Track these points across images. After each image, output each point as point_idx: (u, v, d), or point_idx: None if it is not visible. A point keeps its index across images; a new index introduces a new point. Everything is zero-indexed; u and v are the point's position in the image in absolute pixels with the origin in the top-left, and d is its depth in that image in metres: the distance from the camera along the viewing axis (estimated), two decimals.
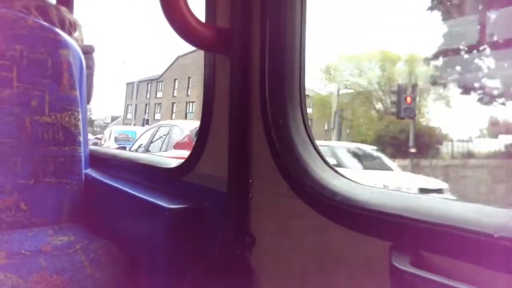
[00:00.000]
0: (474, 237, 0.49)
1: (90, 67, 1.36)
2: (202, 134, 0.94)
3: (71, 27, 1.33)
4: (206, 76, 0.92)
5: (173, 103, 44.09)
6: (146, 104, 47.22)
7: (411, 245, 0.56)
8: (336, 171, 0.77)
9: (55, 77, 1.14)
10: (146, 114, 45.62)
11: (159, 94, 46.88)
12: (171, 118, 41.40)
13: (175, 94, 43.92)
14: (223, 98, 0.87)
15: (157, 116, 43.75)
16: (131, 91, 51.82)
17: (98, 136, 24.41)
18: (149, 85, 47.49)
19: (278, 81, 0.80)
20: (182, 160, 1.01)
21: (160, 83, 46.64)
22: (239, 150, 0.84)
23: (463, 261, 0.51)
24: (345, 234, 0.65)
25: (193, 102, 39.03)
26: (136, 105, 49.51)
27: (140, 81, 47.95)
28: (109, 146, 15.43)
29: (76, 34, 1.38)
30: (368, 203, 0.63)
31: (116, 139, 16.55)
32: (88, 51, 1.39)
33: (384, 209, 0.60)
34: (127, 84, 52.75)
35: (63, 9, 1.36)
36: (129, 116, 50.63)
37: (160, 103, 46.17)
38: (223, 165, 0.86)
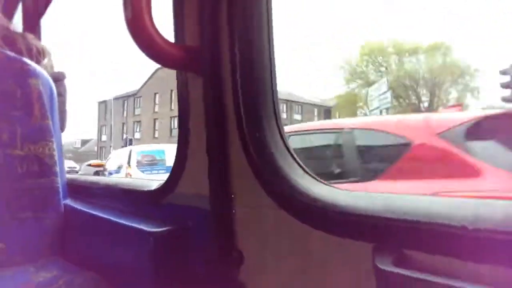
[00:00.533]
0: (450, 231, 0.51)
1: (61, 94, 1.34)
2: (180, 153, 0.93)
3: (39, 55, 1.30)
4: (180, 95, 0.92)
5: (155, 120, 40.53)
6: (123, 123, 43.09)
7: (393, 245, 0.57)
8: (315, 178, 0.78)
9: (25, 108, 1.11)
10: (125, 134, 41.24)
11: (138, 111, 43.40)
12: (154, 136, 38.20)
13: (156, 110, 40.25)
14: (198, 116, 0.87)
15: (137, 135, 41.00)
16: (104, 111, 46.83)
17: (92, 162, 19.07)
18: (126, 102, 43.87)
19: (251, 95, 0.81)
20: (162, 182, 1.00)
21: (138, 99, 43.11)
22: (218, 167, 0.84)
23: (443, 256, 0.52)
24: (329, 240, 0.65)
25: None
26: (111, 125, 44.44)
27: (114, 99, 43.67)
28: (130, 175, 10.81)
29: (45, 61, 1.35)
30: (348, 207, 0.64)
31: (139, 164, 11.67)
32: (59, 78, 1.36)
33: (364, 212, 0.61)
34: (99, 103, 48.23)
35: (30, 36, 1.33)
36: (104, 138, 46.71)
37: (140, 121, 42.57)
38: (203, 183, 0.85)
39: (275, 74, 0.83)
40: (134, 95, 43.39)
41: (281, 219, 0.73)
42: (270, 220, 0.77)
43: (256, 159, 0.79)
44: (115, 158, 13.08)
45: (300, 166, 0.79)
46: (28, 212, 1.10)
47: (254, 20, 0.81)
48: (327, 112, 41.77)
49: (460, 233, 0.50)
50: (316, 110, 42.10)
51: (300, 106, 42.10)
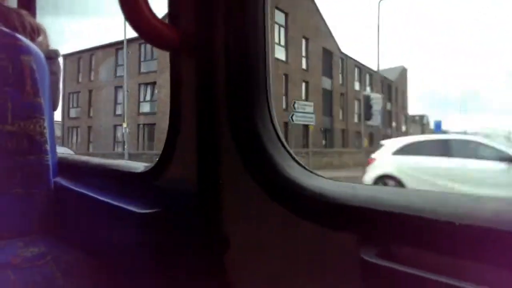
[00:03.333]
0: (437, 226, 0.51)
1: (55, 73, 1.33)
2: (171, 136, 0.93)
3: (33, 32, 1.28)
4: (173, 78, 0.91)
5: None
6: (115, 88, 25.64)
7: (379, 237, 0.58)
8: (305, 167, 0.78)
9: (17, 84, 1.10)
10: (119, 105, 24.47)
11: (149, 66, 24.00)
12: None
13: None
14: (190, 100, 0.87)
15: (146, 107, 24.30)
16: (75, 69, 28.58)
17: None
18: (118, 53, 25.69)
19: (244, 81, 0.81)
20: (153, 164, 1.00)
21: (145, 45, 23.42)
22: (208, 152, 0.84)
23: (428, 250, 0.52)
24: (316, 230, 0.66)
25: None
26: (90, 91, 27.52)
27: (94, 49, 27.08)
28: None
29: (40, 39, 1.33)
30: (336, 198, 0.64)
31: None
32: (52, 56, 1.35)
33: (351, 203, 0.62)
34: (66, 56, 28.22)
35: (24, 13, 1.31)
36: (74, 113, 29.31)
37: (154, 83, 23.62)
38: (192, 168, 0.86)
39: (269, 62, 0.82)
40: (139, 40, 21.88)
41: (268, 207, 0.73)
42: (257, 208, 0.77)
43: (246, 147, 0.79)
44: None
45: (291, 156, 0.79)
46: (18, 188, 1.10)
47: (250, 5, 0.80)
48: (388, 88, 33.91)
49: (446, 228, 0.50)
50: (380, 84, 32.90)
51: (370, 76, 32.32)
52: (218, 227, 0.83)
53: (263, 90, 0.81)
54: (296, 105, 19.33)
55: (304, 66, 25.62)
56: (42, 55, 1.18)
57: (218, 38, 0.81)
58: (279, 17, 22.65)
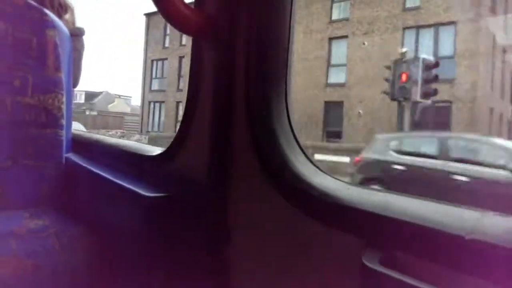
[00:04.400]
0: (445, 239, 0.49)
1: (78, 50, 1.35)
2: (186, 122, 0.92)
3: (61, 8, 1.31)
4: (193, 63, 0.91)
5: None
6: None
7: (383, 244, 0.56)
8: (316, 166, 0.76)
9: (39, 57, 1.12)
10: None
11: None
12: None
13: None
14: (208, 87, 0.86)
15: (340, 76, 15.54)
16: (162, 31, 21.85)
17: None
18: None
19: (263, 72, 0.79)
20: (164, 149, 0.99)
21: None
22: (221, 142, 0.84)
23: (434, 262, 0.50)
24: (321, 230, 0.65)
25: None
26: (181, 58, 20.96)
27: None
28: None
29: (67, 16, 1.36)
30: (344, 199, 0.63)
31: None
32: (77, 33, 1.37)
33: (359, 206, 0.60)
34: (148, 16, 23.16)
35: None
36: (157, 85, 22.90)
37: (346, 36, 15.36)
38: (205, 156, 0.85)
39: (290, 53, 0.80)
40: None
41: (275, 201, 0.72)
42: (264, 202, 0.76)
43: (260, 139, 0.78)
44: None
45: (302, 152, 0.78)
46: (30, 160, 1.12)
47: None
48: None
49: (454, 242, 0.48)
50: None
51: None
52: (224, 217, 0.82)
53: (282, 81, 0.80)
54: None
55: None
56: (67, 31, 1.20)
57: (240, 24, 0.81)
58: None
